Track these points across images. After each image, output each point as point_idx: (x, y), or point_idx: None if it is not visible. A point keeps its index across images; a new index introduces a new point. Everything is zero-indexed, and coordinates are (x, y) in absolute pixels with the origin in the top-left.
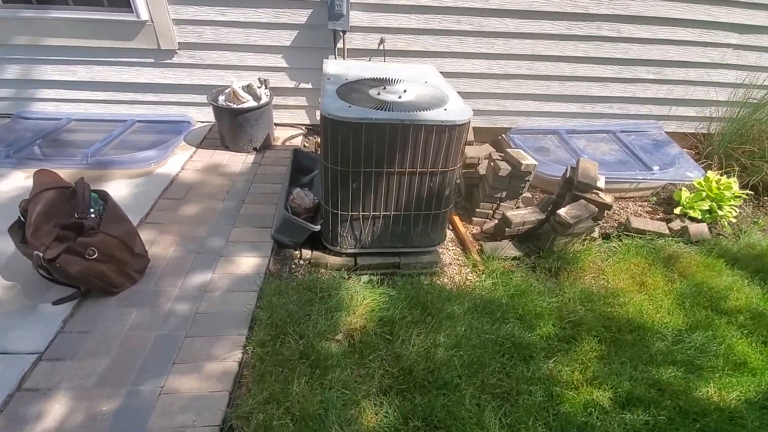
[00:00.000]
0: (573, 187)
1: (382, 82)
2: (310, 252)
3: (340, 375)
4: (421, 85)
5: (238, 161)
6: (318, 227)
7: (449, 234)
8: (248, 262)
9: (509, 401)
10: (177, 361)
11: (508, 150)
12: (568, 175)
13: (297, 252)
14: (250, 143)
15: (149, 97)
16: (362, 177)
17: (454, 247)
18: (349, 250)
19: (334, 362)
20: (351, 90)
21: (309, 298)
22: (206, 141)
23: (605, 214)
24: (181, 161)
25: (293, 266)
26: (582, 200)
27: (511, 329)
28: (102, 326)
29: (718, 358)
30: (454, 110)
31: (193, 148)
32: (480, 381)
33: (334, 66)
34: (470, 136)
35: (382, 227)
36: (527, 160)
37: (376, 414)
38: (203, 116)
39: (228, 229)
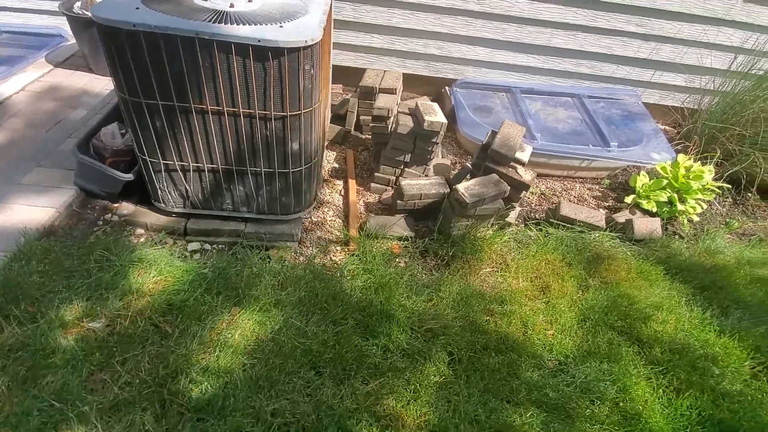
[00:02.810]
0: (487, 156)
1: None
2: (132, 207)
3: (63, 378)
4: None
5: (94, 86)
6: (130, 176)
7: (338, 201)
8: (27, 213)
9: None
10: None
11: (418, 102)
12: (486, 141)
13: (115, 205)
14: None
15: (18, 2)
16: (164, 113)
17: (335, 218)
18: (178, 210)
19: (64, 360)
20: None
21: (71, 269)
22: (71, 60)
23: (526, 195)
24: (23, 81)
25: (100, 223)
26: (494, 174)
27: (342, 333)
28: None
29: (603, 404)
30: (292, 29)
31: (50, 67)
32: (258, 405)
33: None
34: (394, 84)
35: (213, 184)
36: (434, 116)
37: None
38: None
39: (28, 168)
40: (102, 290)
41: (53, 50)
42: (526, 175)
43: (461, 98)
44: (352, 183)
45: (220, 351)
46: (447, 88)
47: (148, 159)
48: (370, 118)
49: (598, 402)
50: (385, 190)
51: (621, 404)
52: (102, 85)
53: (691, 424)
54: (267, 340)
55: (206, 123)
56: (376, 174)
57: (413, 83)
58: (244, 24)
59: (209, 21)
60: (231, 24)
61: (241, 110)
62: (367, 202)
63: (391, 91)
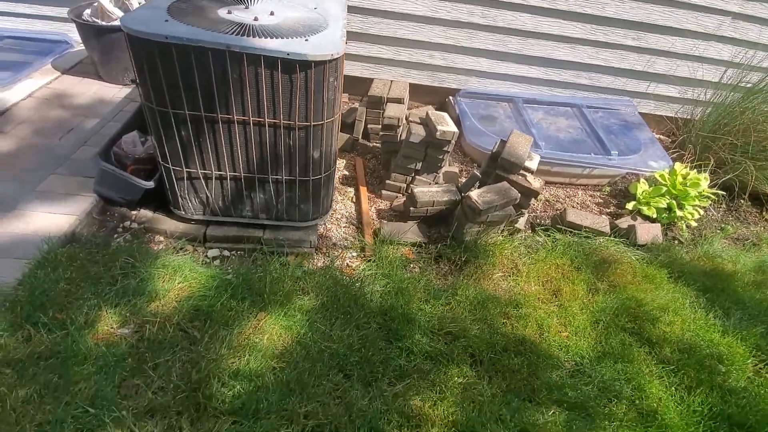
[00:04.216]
0: (497, 165)
1: (245, 1)
2: (151, 213)
3: (94, 386)
4: (302, 10)
5: (105, 94)
6: (151, 184)
7: (350, 208)
8: (48, 221)
9: None
10: None
11: (429, 112)
12: (495, 150)
13: (134, 212)
14: (127, 73)
15: (22, 8)
16: (190, 123)
17: (348, 225)
18: (197, 217)
19: (95, 367)
20: (192, 5)
21: (97, 275)
22: (79, 66)
23: (533, 202)
24: (30, 88)
25: (120, 230)
26: (504, 182)
27: (366, 337)
28: None
29: (620, 402)
30: (318, 43)
31: (57, 74)
32: (291, 407)
33: None
34: (402, 94)
35: (233, 192)
36: (446, 126)
37: None
38: None
39: (44, 176)
40: (129, 296)
41: (59, 56)
42: (535, 182)
43: (466, 108)
44: (363, 190)
45: (249, 355)
46: (451, 97)
47: (171, 167)
48: (379, 126)
49: (615, 401)
50: (396, 197)
51: (637, 402)
52: (112, 93)
53: (704, 420)
54: (294, 344)
55: (231, 132)
56: (387, 182)
57: (418, 93)
58: (270, 37)
59: (236, 34)
60: (257, 37)
61: (266, 120)
62: (379, 209)
63: (399, 101)
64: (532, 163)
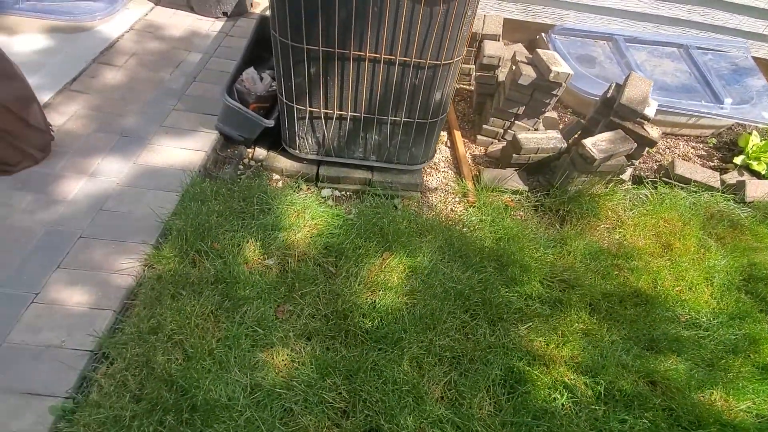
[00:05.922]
0: (612, 111)
1: None
2: (265, 152)
3: (258, 309)
4: None
5: (200, 27)
6: (271, 122)
7: (444, 152)
8: (180, 155)
9: (458, 369)
10: (63, 265)
11: (539, 51)
12: (609, 95)
13: (250, 150)
14: (219, 5)
15: None
16: (321, 59)
17: (446, 169)
18: (311, 156)
19: (254, 292)
20: None
21: (240, 210)
22: None
23: (645, 153)
24: (130, 20)
25: (241, 167)
26: (620, 130)
27: (485, 280)
28: None
29: (737, 356)
30: None
31: (151, 5)
32: (429, 340)
33: None
34: (497, 30)
35: (350, 132)
36: (560, 66)
37: (292, 361)
38: None
39: (166, 111)
40: (269, 231)
41: None
42: (653, 131)
43: (561, 46)
44: (457, 135)
45: (383, 291)
46: (543, 34)
47: (294, 106)
48: (470, 66)
49: (732, 354)
50: (492, 142)
51: (753, 357)
52: (206, 26)
53: None
54: (419, 282)
55: (360, 70)
56: (484, 126)
57: (505, 29)
58: None
59: None
60: None
61: (397, 58)
62: (474, 155)
63: (494, 38)
64: (650, 110)
